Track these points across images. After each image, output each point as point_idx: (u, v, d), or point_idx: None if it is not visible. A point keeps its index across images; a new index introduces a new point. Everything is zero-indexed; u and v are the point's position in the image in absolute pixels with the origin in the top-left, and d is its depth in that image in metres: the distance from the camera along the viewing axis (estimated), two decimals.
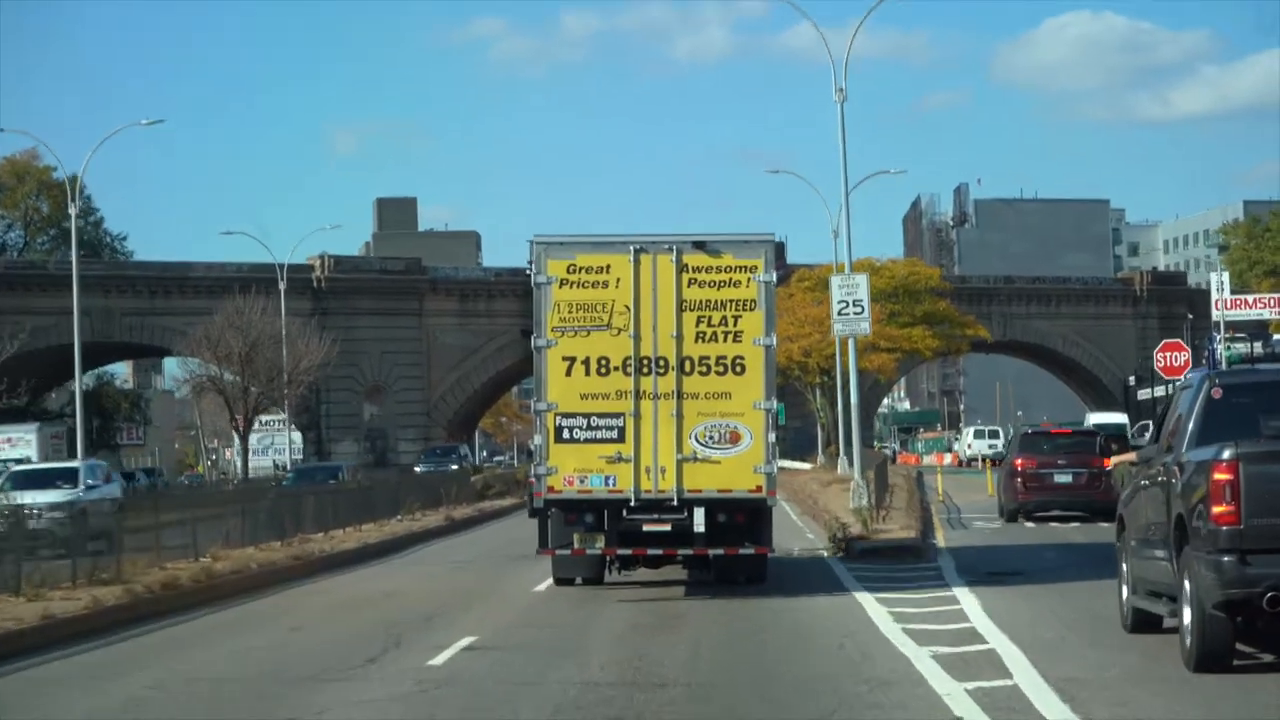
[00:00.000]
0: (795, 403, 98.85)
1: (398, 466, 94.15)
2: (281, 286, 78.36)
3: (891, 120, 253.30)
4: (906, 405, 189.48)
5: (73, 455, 52.52)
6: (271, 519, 31.18)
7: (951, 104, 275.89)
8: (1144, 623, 17.34)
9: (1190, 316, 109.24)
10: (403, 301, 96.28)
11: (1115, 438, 47.45)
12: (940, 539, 33.41)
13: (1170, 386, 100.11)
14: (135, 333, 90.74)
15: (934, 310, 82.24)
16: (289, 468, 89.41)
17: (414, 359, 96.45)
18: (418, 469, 78.70)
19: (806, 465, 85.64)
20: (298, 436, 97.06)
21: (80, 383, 57.24)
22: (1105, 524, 36.96)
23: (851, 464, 64.35)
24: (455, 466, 73.79)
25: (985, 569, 25.65)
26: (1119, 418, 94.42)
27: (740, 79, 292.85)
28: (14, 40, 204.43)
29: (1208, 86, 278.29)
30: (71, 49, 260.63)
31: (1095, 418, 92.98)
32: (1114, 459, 36.23)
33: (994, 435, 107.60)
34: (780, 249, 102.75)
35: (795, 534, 38.10)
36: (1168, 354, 46.39)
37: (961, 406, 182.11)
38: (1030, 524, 38.67)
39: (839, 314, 38.94)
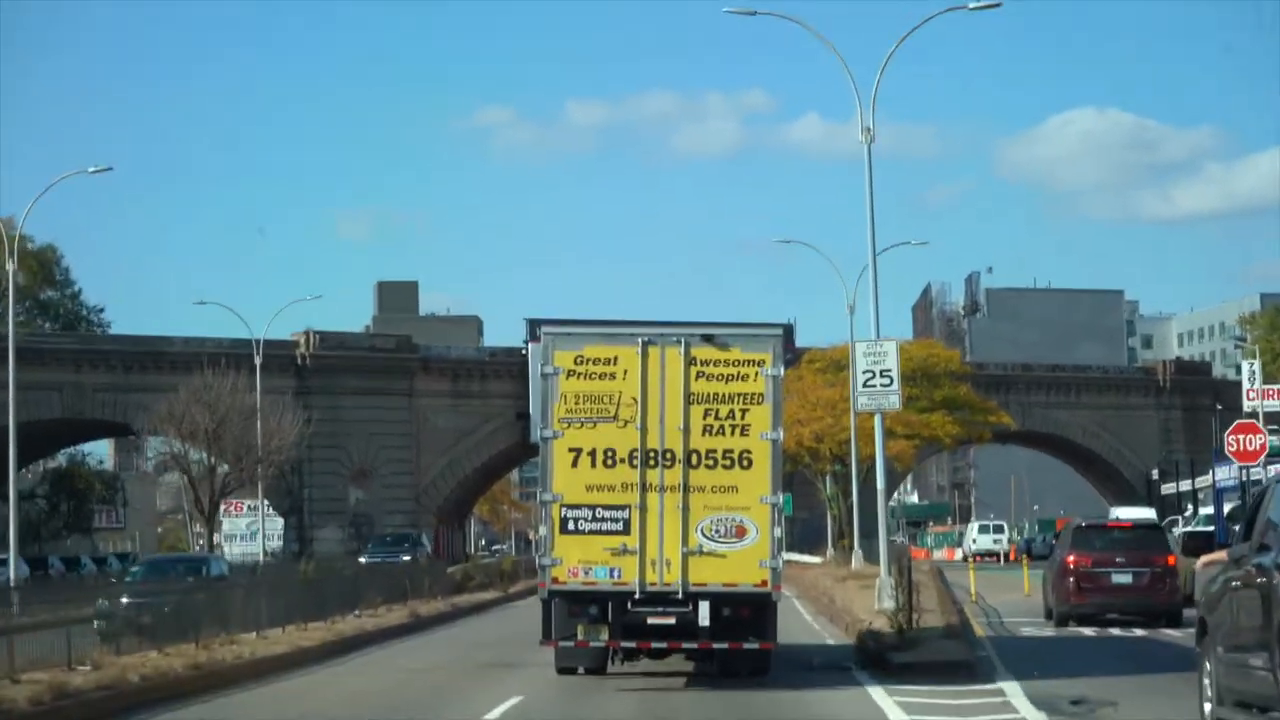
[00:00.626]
0: (803, 492, 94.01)
1: None
2: (257, 360, 73.62)
3: (897, 212, 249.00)
4: (915, 498, 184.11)
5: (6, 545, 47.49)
6: (180, 616, 25.99)
7: (956, 197, 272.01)
8: None
9: (1219, 407, 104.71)
10: (392, 381, 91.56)
11: (1200, 534, 42.62)
12: (990, 650, 28.30)
13: (1194, 480, 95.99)
14: (108, 409, 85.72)
15: (954, 395, 77.34)
16: (267, 556, 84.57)
17: (403, 441, 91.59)
18: (362, 559, 68.37)
19: (816, 559, 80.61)
20: (280, 522, 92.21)
21: (14, 465, 52.10)
22: (1172, 631, 32.44)
23: (876, 557, 59.99)
24: (407, 557, 63.01)
25: (1063, 694, 20.63)
26: (1145, 512, 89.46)
27: (746, 169, 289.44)
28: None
29: (1213, 184, 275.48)
30: (58, 116, 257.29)
31: (1120, 512, 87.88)
32: (1205, 558, 31.26)
33: (999, 530, 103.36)
34: (789, 332, 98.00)
35: (811, 637, 33.28)
36: (1240, 437, 41.15)
37: (972, 499, 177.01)
38: (1088, 630, 33.62)
39: (864, 385, 34.09)
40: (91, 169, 52.97)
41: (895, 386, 34.17)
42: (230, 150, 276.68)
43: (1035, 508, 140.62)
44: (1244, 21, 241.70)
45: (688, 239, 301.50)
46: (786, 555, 71.13)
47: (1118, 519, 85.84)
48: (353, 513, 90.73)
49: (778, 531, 21.71)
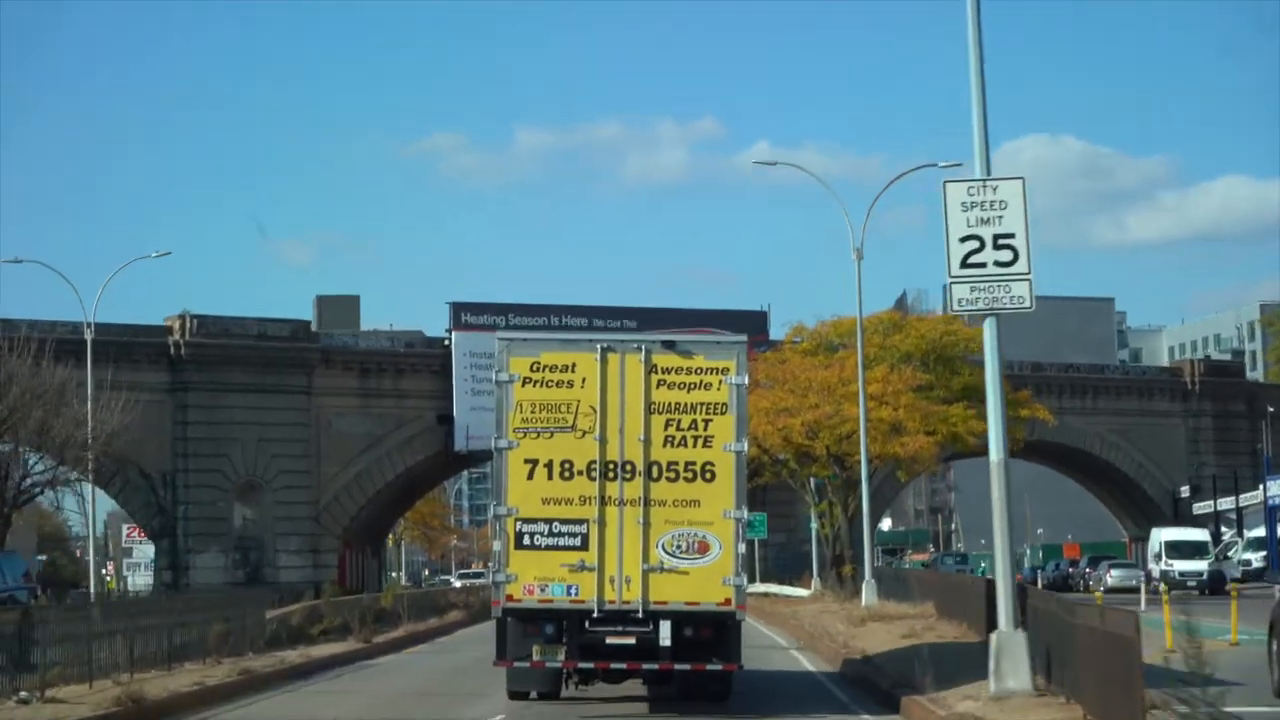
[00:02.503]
0: (779, 511, 79.02)
1: (274, 586, 73.62)
2: (88, 336, 57.88)
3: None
4: (888, 524, 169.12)
5: None
6: None
7: (911, 221, 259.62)
8: None
9: (1270, 410, 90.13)
10: (287, 376, 75.92)
11: None
12: None
13: (1237, 497, 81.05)
14: None
15: (978, 384, 61.84)
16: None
17: (300, 449, 75.98)
18: None
19: (801, 591, 65.47)
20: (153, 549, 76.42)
21: None
22: None
23: (891, 590, 45.33)
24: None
25: None
26: (1197, 534, 74.73)
27: (695, 196, 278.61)
28: None
29: (1165, 212, 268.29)
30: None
31: (1165, 534, 72.90)
32: None
33: (961, 560, 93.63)
34: (763, 320, 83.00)
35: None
36: None
37: (953, 526, 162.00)
38: None
39: (962, 265, 19.08)
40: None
41: (1023, 266, 18.97)
42: (176, 180, 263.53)
43: (1039, 531, 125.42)
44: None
45: (641, 262, 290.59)
46: (763, 587, 55.92)
47: (1169, 543, 71.75)
48: (238, 535, 74.96)
49: (741, 547, 20.58)
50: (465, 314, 79.07)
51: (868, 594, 45.44)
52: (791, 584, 72.01)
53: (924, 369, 59.16)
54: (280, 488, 75.23)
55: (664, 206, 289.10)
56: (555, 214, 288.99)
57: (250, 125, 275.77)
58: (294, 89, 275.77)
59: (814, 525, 64.35)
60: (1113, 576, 73.33)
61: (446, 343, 78.96)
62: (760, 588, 73.16)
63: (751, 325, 68.64)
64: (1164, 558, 69.59)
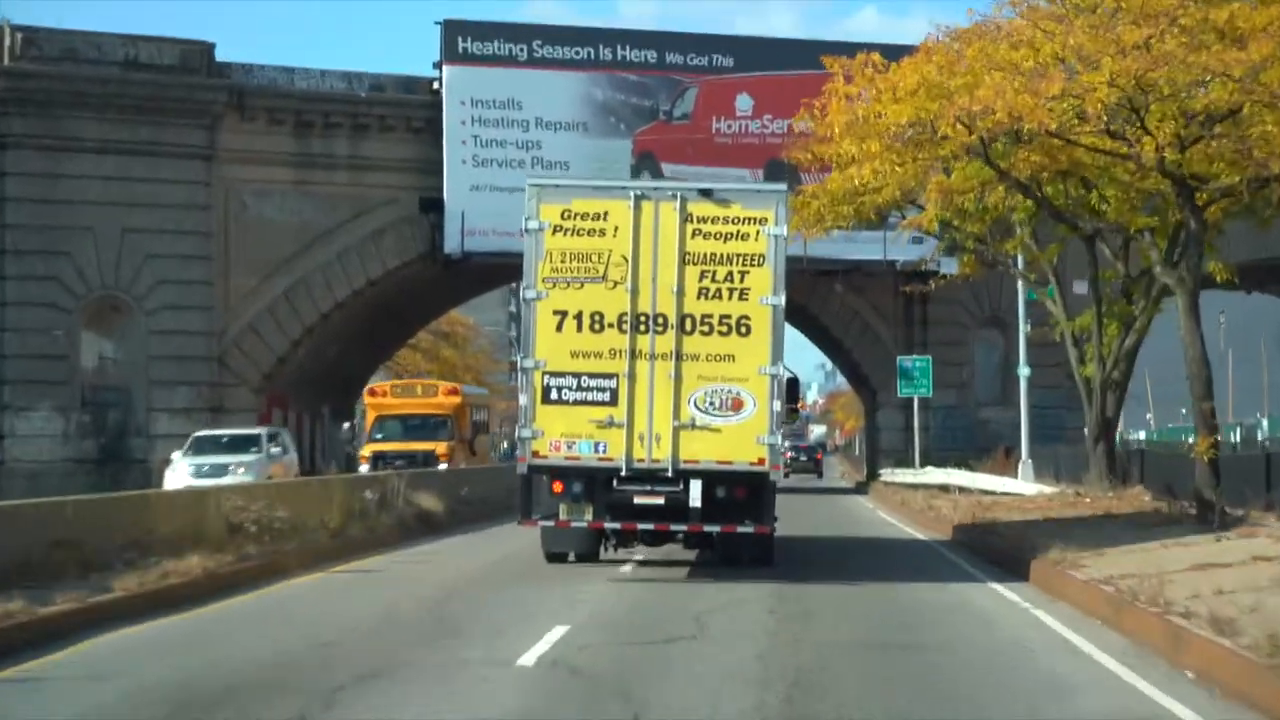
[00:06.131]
0: (944, 351, 51.08)
1: (143, 465, 45.78)
2: None
3: None
4: None
5: None
6: None
7: None
8: None
9: None
10: (173, 130, 47.84)
11: None
12: None
13: None
14: None
15: None
16: None
17: (193, 247, 48.06)
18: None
19: (1016, 485, 37.04)
20: None
21: None
22: None
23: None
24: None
25: None
26: None
27: None
28: None
29: None
30: None
31: None
32: None
33: None
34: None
35: None
36: None
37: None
38: None
39: None
40: None
41: None
42: None
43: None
44: None
45: None
46: (939, 475, 43.94)
47: None
48: (89, 385, 46.74)
49: (777, 405, 19.67)
50: (464, 39, 49.74)
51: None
52: (972, 468, 44.24)
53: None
54: (159, 309, 47.14)
55: None
56: None
57: None
58: None
59: (1071, 354, 34.81)
60: None
61: (435, 87, 49.83)
62: (932, 475, 44.57)
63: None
64: None
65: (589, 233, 20.04)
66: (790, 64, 49.42)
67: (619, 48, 51.35)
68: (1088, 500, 29.36)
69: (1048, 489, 34.92)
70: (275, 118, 48.68)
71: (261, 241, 48.30)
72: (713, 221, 20.00)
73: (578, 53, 50.96)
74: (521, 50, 50.19)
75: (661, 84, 51.89)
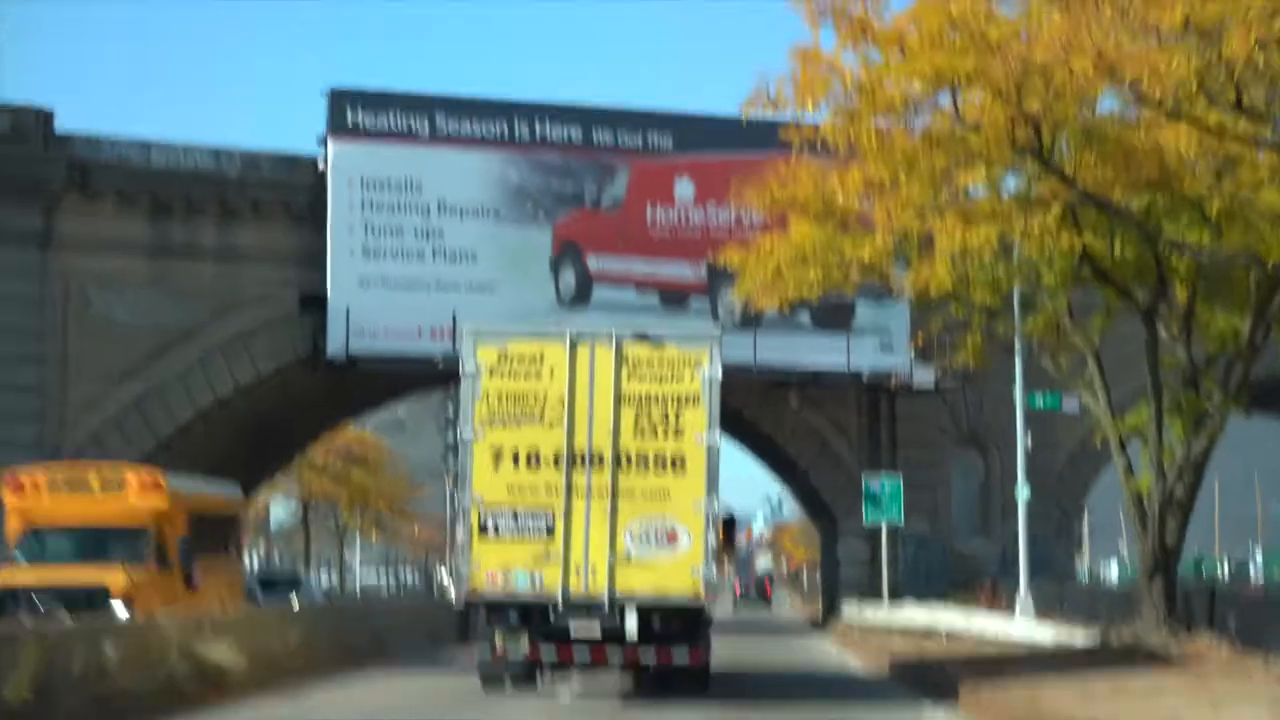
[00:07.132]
0: (916, 473, 44.61)
1: None
2: None
3: None
4: None
5: None
6: None
7: None
8: None
9: None
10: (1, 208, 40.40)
11: None
12: None
13: None
14: None
15: None
16: None
17: (23, 346, 40.81)
18: None
19: (1034, 629, 30.14)
20: None
21: None
22: None
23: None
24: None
25: None
26: None
27: None
28: None
29: None
30: None
31: None
32: None
33: None
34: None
35: None
36: None
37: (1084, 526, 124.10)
38: None
39: None
40: None
41: None
42: None
43: None
44: None
45: None
46: (922, 614, 39.11)
47: None
48: None
49: (712, 539, 20.05)
50: (354, 110, 42.62)
51: None
52: (953, 605, 37.69)
53: None
54: None
55: None
56: None
57: None
58: None
59: (1117, 463, 27.65)
60: None
61: (320, 164, 42.68)
62: (910, 613, 37.49)
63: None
64: None
65: (525, 375, 20.28)
66: (740, 144, 40.91)
67: (537, 122, 44.50)
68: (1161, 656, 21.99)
69: (1079, 636, 27.74)
70: (126, 199, 41.65)
71: (108, 342, 41.12)
72: (648, 364, 20.35)
73: (490, 128, 44.11)
74: (423, 124, 43.21)
75: (587, 166, 45.03)
